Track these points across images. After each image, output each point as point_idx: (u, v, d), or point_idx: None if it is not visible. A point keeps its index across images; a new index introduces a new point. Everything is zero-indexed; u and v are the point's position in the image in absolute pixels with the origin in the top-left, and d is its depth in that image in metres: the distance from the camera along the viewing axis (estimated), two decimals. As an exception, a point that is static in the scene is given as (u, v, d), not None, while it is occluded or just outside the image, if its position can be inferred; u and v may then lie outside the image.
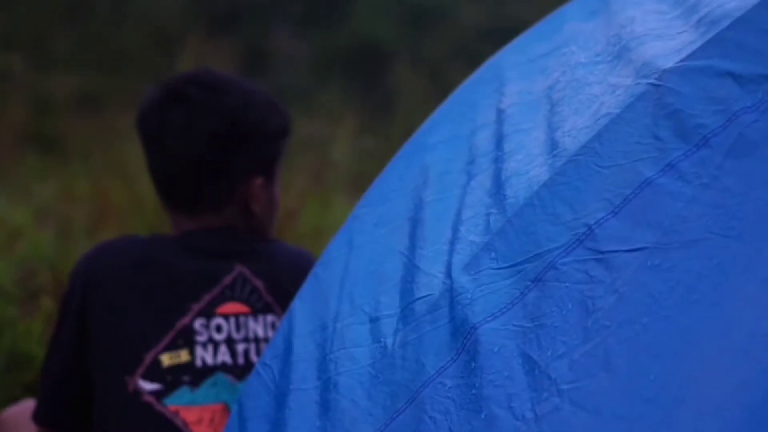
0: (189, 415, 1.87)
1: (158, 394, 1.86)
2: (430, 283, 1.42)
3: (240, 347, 1.90)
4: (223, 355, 1.90)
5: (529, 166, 1.42)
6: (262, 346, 1.90)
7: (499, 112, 1.57)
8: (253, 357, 1.89)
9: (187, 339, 1.88)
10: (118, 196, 3.81)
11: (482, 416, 1.25)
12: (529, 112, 1.52)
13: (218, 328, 1.91)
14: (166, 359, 1.87)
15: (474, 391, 1.27)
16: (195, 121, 1.95)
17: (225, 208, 1.98)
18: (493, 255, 1.37)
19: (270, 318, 1.93)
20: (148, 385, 1.86)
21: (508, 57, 1.66)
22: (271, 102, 2.03)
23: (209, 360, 1.89)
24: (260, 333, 1.92)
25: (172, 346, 1.88)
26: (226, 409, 1.88)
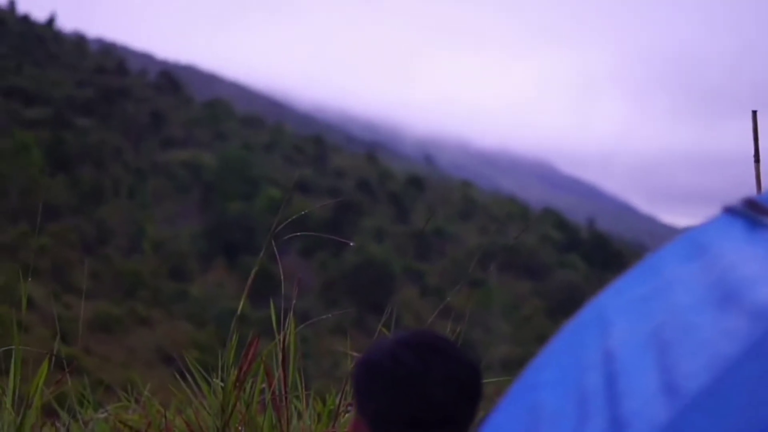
0: None
1: None
2: None
3: None
4: None
5: (647, 407, 1.46)
6: None
7: (607, 353, 1.62)
8: None
9: None
10: (178, 423, 3.82)
11: None
12: (639, 354, 1.57)
13: None
14: None
15: None
16: (453, 370, 2.12)
17: None
18: (624, 496, 1.39)
19: None
20: None
21: (608, 299, 1.72)
22: None
23: None
24: None
25: None
26: None
